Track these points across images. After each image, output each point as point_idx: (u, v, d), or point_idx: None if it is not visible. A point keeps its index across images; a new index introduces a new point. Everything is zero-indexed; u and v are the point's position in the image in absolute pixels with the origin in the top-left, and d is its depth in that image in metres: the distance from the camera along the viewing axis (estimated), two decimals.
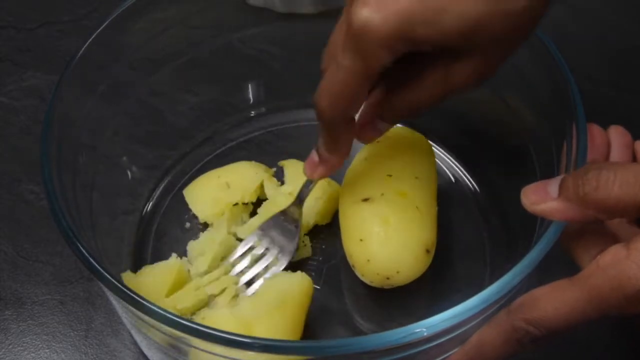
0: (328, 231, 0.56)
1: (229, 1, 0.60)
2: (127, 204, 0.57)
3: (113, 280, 0.38)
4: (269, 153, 0.61)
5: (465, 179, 0.60)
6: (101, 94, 0.52)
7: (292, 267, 0.54)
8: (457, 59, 0.40)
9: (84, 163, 0.49)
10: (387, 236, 0.49)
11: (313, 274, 0.54)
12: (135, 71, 0.56)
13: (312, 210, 0.55)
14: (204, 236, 0.54)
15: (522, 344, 0.36)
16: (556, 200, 0.36)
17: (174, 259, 0.52)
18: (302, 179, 0.56)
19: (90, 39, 0.50)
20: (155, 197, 0.59)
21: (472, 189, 0.59)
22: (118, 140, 0.55)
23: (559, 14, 0.72)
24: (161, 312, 0.36)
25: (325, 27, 0.44)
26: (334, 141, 0.45)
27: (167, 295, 0.50)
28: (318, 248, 0.55)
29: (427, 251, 0.50)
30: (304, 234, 0.55)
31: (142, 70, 0.57)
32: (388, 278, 0.49)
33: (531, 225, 0.44)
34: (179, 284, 0.51)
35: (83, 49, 0.49)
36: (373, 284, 0.50)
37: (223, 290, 0.51)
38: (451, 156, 0.61)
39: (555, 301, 0.35)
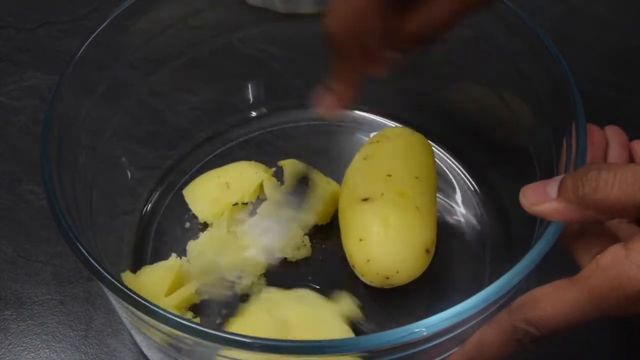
0: (328, 231, 0.56)
1: (229, 1, 0.60)
2: (127, 204, 0.57)
3: (113, 280, 0.38)
4: (269, 153, 0.61)
5: (465, 179, 0.60)
6: (101, 94, 0.52)
7: (292, 267, 0.54)
8: None
9: (84, 163, 0.49)
10: (387, 236, 0.49)
11: (313, 274, 0.54)
12: (135, 71, 0.56)
13: (311, 210, 0.55)
14: (203, 236, 0.54)
15: (523, 344, 0.36)
16: (555, 200, 0.36)
17: (173, 259, 0.52)
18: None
19: (90, 39, 0.50)
20: (155, 197, 0.59)
21: (472, 189, 0.59)
22: (118, 141, 0.55)
23: (559, 14, 0.72)
24: (161, 312, 0.36)
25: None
26: (343, 68, 0.42)
27: (167, 295, 0.50)
28: (318, 248, 0.55)
29: (427, 251, 0.50)
30: (304, 234, 0.55)
31: (142, 70, 0.57)
32: (388, 278, 0.49)
33: (531, 225, 0.44)
34: (178, 284, 0.51)
35: (83, 49, 0.49)
36: (373, 284, 0.50)
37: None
38: (451, 156, 0.61)
39: (555, 301, 0.35)
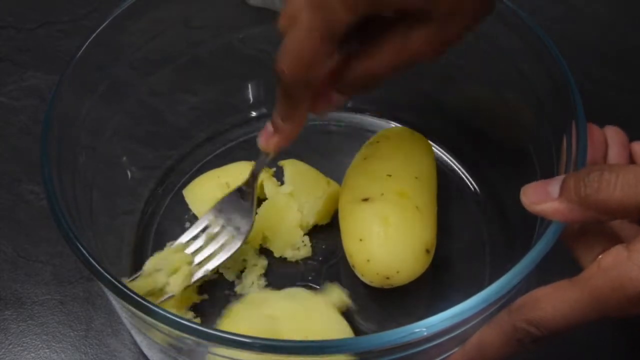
0: (328, 231, 0.56)
1: (229, 1, 0.60)
2: (127, 204, 0.57)
3: (113, 281, 0.38)
4: None
5: (465, 179, 0.60)
6: (101, 94, 0.52)
7: (292, 266, 0.54)
8: (415, 25, 0.40)
9: (84, 163, 0.49)
10: (387, 236, 0.49)
11: (313, 273, 0.54)
12: (135, 71, 0.56)
13: (312, 210, 0.55)
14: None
15: (523, 344, 0.36)
16: (557, 200, 0.36)
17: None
18: (302, 179, 0.56)
19: (90, 39, 0.50)
20: (155, 197, 0.59)
21: (472, 189, 0.59)
22: (118, 141, 0.55)
23: (559, 14, 0.72)
24: (161, 312, 0.36)
25: None
26: (291, 107, 0.44)
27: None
28: (318, 248, 0.55)
29: (427, 251, 0.50)
30: (304, 234, 0.55)
31: (142, 70, 0.57)
32: (388, 278, 0.49)
33: (531, 225, 0.44)
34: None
35: (83, 49, 0.49)
36: (373, 284, 0.50)
37: (176, 270, 0.50)
38: (451, 156, 0.61)
39: (556, 302, 0.35)
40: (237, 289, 0.53)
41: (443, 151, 0.61)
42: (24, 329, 0.52)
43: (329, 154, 0.61)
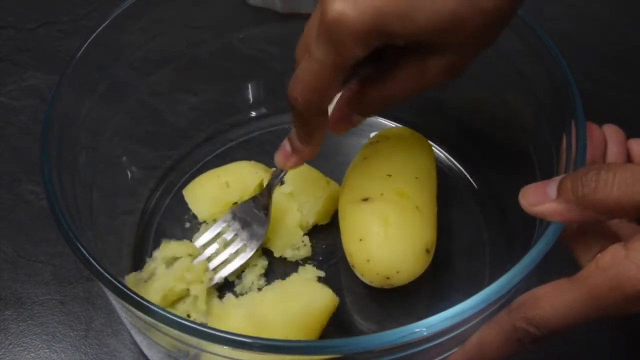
0: (328, 231, 0.56)
1: (229, 1, 0.60)
2: (127, 204, 0.57)
3: (113, 281, 0.38)
4: (269, 153, 0.61)
5: (465, 179, 0.60)
6: (101, 94, 0.52)
7: (292, 266, 0.54)
8: (431, 54, 0.40)
9: (84, 163, 0.49)
10: (387, 236, 0.49)
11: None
12: (135, 71, 0.56)
13: (312, 210, 0.55)
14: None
15: (523, 344, 0.36)
16: (555, 201, 0.36)
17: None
18: (302, 179, 0.56)
19: (90, 39, 0.50)
20: (155, 197, 0.59)
21: (472, 189, 0.59)
22: (118, 140, 0.55)
23: (559, 14, 0.72)
24: (161, 312, 0.36)
25: None
26: (307, 133, 0.44)
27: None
28: (318, 248, 0.55)
29: (427, 251, 0.50)
30: (304, 234, 0.55)
31: (142, 70, 0.57)
32: (388, 278, 0.49)
33: (531, 225, 0.44)
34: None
35: (83, 49, 0.49)
36: (373, 284, 0.50)
37: (196, 278, 0.50)
38: (451, 156, 0.61)
39: (555, 301, 0.35)
40: (237, 288, 0.53)
41: (443, 151, 0.61)
42: (24, 329, 0.52)
43: (329, 154, 0.61)
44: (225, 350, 0.37)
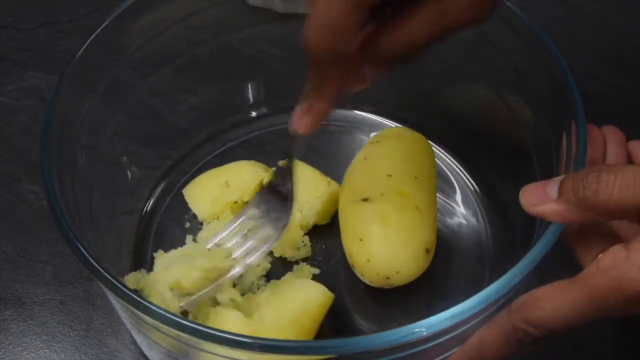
0: (328, 231, 0.56)
1: (229, 1, 0.60)
2: (127, 204, 0.57)
3: (113, 281, 0.38)
4: (269, 153, 0.61)
5: (465, 179, 0.60)
6: (101, 94, 0.52)
7: (292, 266, 0.54)
8: None
9: (84, 163, 0.49)
10: (386, 236, 0.49)
11: (313, 273, 0.54)
12: (135, 71, 0.56)
13: (312, 210, 0.55)
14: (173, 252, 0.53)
15: (522, 344, 0.36)
16: (555, 202, 0.36)
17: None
18: (302, 179, 0.56)
19: (90, 39, 0.50)
20: (155, 197, 0.59)
21: (472, 189, 0.59)
22: (118, 140, 0.55)
23: (559, 14, 0.72)
24: (161, 312, 0.36)
25: None
26: (320, 83, 0.41)
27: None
28: (318, 248, 0.55)
29: (427, 251, 0.50)
30: (304, 234, 0.55)
31: (142, 70, 0.57)
32: (388, 278, 0.49)
33: (531, 225, 0.44)
34: None
35: (83, 49, 0.49)
36: (373, 284, 0.50)
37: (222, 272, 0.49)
38: (451, 156, 0.61)
39: (555, 301, 0.35)
40: (237, 288, 0.53)
41: (443, 151, 0.61)
42: (24, 329, 0.52)
43: (329, 154, 0.61)
44: (224, 350, 0.37)
